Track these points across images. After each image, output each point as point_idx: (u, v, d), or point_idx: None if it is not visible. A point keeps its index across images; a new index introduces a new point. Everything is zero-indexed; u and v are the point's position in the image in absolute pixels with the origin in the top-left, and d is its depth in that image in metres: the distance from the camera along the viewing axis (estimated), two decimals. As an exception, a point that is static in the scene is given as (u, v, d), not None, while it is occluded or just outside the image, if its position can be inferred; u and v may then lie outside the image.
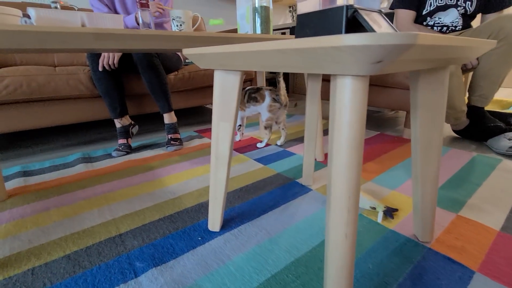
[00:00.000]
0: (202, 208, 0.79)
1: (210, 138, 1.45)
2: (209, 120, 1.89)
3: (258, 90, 1.25)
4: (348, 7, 0.34)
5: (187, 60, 1.80)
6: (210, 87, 1.64)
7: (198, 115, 2.07)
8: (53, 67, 1.30)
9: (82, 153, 1.23)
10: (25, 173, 1.04)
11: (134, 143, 1.39)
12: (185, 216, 0.75)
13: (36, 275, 0.56)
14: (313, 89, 0.75)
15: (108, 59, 1.11)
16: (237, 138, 1.43)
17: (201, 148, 1.30)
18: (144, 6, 0.85)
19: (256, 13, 0.88)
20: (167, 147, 1.28)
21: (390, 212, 0.72)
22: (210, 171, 0.63)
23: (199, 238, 0.66)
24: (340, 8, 0.34)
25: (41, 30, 0.47)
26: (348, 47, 0.24)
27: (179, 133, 1.36)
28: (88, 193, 0.89)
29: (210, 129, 1.62)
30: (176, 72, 1.45)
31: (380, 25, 0.35)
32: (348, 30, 0.34)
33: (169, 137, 1.32)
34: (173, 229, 0.69)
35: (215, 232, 0.68)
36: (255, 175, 1.00)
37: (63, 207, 0.80)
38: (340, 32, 0.35)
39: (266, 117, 1.26)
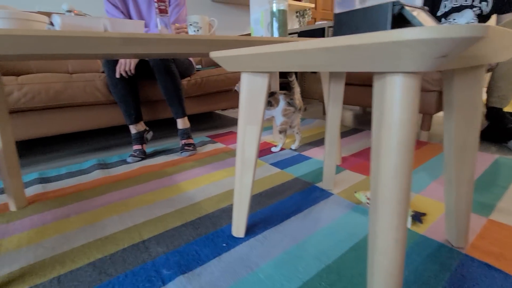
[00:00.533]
0: (223, 214, 0.77)
1: (222, 143, 1.45)
2: (220, 125, 1.88)
3: (272, 94, 1.24)
4: (395, 3, 0.33)
5: (197, 66, 1.81)
6: (221, 92, 1.65)
7: (209, 120, 2.07)
8: (69, 74, 1.31)
9: (97, 159, 1.23)
10: (43, 180, 1.04)
11: (148, 148, 1.39)
12: (207, 222, 0.74)
13: (62, 283, 0.55)
14: (336, 93, 0.74)
15: (125, 66, 1.12)
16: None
17: (214, 153, 1.29)
18: (163, 12, 0.86)
19: (274, 17, 0.88)
20: (181, 152, 1.27)
21: (418, 217, 0.70)
22: (235, 175, 0.62)
23: (224, 244, 0.64)
24: (386, 5, 0.33)
25: (71, 35, 0.47)
26: (414, 41, 0.23)
27: (192, 139, 1.36)
28: (107, 199, 0.88)
29: (222, 134, 1.62)
30: (189, 78, 1.45)
31: (426, 21, 0.34)
32: (393, 27, 0.33)
33: (182, 143, 1.32)
34: (197, 235, 0.68)
35: (240, 238, 0.66)
36: (273, 179, 0.98)
37: (83, 214, 0.80)
38: (385, 29, 0.33)
39: (281, 121, 1.25)
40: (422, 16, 0.34)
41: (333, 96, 0.75)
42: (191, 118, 2.17)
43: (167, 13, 0.87)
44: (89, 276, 0.56)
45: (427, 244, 0.61)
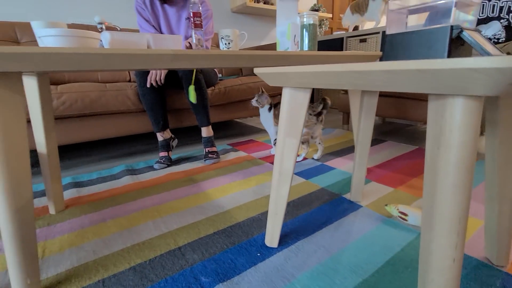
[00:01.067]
0: (254, 223, 0.78)
1: (244, 151, 1.47)
2: (240, 134, 1.91)
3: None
4: (453, 27, 0.34)
5: (220, 76, 1.86)
6: (243, 101, 1.68)
7: (230, 129, 2.10)
8: (103, 83, 1.38)
9: (125, 165, 1.28)
10: (76, 184, 1.09)
11: (173, 155, 1.43)
12: (239, 230, 0.75)
13: (107, 286, 0.57)
14: (369, 105, 0.75)
15: (155, 76, 1.16)
16: (272, 151, 1.43)
17: (237, 161, 1.31)
18: (198, 26, 0.90)
19: (305, 30, 0.90)
20: (205, 160, 1.30)
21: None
22: (272, 186, 0.64)
23: (258, 254, 0.65)
24: (444, 28, 0.34)
25: (130, 53, 0.50)
26: (492, 69, 0.24)
27: (215, 147, 1.39)
28: (139, 205, 0.91)
29: (243, 142, 1.64)
30: (213, 87, 1.49)
31: (484, 44, 0.35)
32: (451, 50, 0.34)
33: (206, 150, 1.35)
34: (230, 244, 0.69)
35: (273, 248, 0.67)
36: (299, 189, 0.99)
37: (119, 219, 0.83)
38: (444, 52, 0.35)
39: (303, 132, 1.26)
40: (479, 39, 0.35)
41: (366, 108, 0.75)
42: (212, 126, 2.21)
43: (201, 27, 0.90)
44: (131, 281, 0.58)
45: (465, 262, 0.60)
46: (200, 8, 1.31)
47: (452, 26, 0.34)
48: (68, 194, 1.01)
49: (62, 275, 0.61)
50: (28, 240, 0.52)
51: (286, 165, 0.60)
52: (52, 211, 0.87)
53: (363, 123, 0.77)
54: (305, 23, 0.89)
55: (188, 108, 1.46)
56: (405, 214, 0.75)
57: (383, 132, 1.82)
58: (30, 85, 0.75)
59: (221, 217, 0.82)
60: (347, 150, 1.44)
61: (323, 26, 3.02)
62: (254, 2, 2.35)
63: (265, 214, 0.83)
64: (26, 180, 0.51)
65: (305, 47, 0.91)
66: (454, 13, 0.34)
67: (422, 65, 0.28)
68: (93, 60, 0.48)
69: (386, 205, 0.81)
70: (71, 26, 1.59)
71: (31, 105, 0.77)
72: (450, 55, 0.35)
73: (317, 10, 2.88)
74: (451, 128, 0.32)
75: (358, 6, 2.19)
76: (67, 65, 0.47)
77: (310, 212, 0.83)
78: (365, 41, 2.14)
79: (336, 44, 2.35)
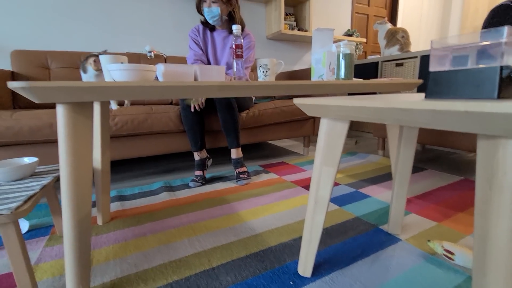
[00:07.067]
0: (286, 249, 0.78)
1: (275, 173, 1.48)
2: (271, 155, 1.94)
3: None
4: (503, 67, 0.34)
5: (255, 99, 1.93)
6: (275, 124, 1.71)
7: (261, 149, 2.15)
8: (148, 105, 1.52)
9: (163, 182, 1.36)
10: (121, 198, 1.18)
11: (207, 174, 1.49)
12: (271, 255, 0.75)
13: (147, 300, 0.60)
14: (410, 134, 0.73)
15: (198, 101, 1.26)
16: (304, 175, 1.42)
17: (269, 183, 1.33)
18: (239, 57, 0.97)
19: (341, 59, 0.93)
20: (237, 181, 1.33)
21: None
22: (307, 214, 0.64)
23: (291, 283, 0.64)
24: (493, 68, 0.34)
25: (184, 85, 0.57)
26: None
27: (245, 167, 1.42)
28: (176, 221, 0.96)
29: (274, 164, 1.66)
30: (248, 111, 1.56)
31: (538, 84, 0.34)
32: (501, 90, 0.34)
33: (237, 171, 1.38)
34: (262, 269, 0.69)
35: (306, 277, 0.66)
36: (332, 217, 0.97)
37: (158, 234, 0.88)
38: (493, 92, 0.34)
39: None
40: (533, 79, 0.34)
41: (406, 137, 0.74)
42: (244, 147, 2.27)
43: (242, 57, 0.97)
44: (169, 297, 0.61)
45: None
46: (243, 40, 1.42)
47: (502, 66, 0.34)
48: (113, 206, 1.09)
49: (107, 285, 0.65)
50: (84, 249, 0.58)
51: (322, 193, 0.61)
52: (99, 222, 0.95)
53: (402, 152, 0.75)
54: (341, 52, 0.92)
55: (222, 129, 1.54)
56: (452, 253, 0.70)
57: (423, 159, 1.72)
58: (94, 109, 0.86)
59: (253, 240, 0.83)
60: (383, 177, 1.38)
61: (357, 50, 3.02)
62: (289, 29, 2.45)
63: (297, 241, 0.82)
64: (88, 194, 0.58)
65: (341, 75, 0.93)
66: (504, 53, 0.34)
67: (471, 107, 0.29)
68: (154, 91, 0.55)
69: (429, 240, 0.75)
70: (126, 55, 1.80)
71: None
72: (500, 95, 0.34)
73: (351, 35, 2.91)
74: (504, 170, 0.31)
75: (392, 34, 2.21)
76: (132, 95, 0.55)
77: (344, 242, 0.81)
78: (402, 65, 2.10)
79: (371, 68, 2.33)
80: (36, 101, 0.49)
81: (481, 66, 0.35)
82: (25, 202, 0.58)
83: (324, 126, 0.58)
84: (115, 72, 0.65)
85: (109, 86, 0.51)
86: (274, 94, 0.69)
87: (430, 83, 0.41)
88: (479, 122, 0.30)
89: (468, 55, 0.38)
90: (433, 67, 0.41)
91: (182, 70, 0.79)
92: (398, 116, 0.38)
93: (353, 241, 0.81)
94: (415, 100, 0.39)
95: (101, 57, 0.82)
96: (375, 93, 1.81)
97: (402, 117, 0.38)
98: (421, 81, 0.96)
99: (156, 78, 1.05)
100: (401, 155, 0.76)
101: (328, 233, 0.86)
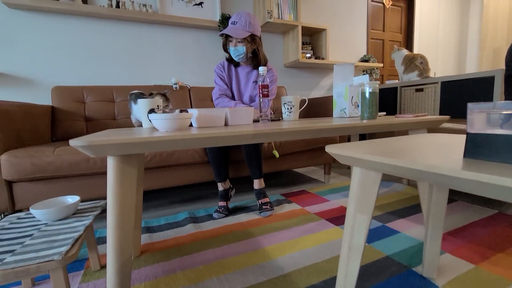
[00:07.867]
0: (317, 292, 0.77)
1: (298, 204, 1.47)
2: (291, 182, 1.94)
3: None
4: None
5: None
6: (297, 153, 1.73)
7: (281, 176, 2.15)
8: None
9: (188, 212, 1.39)
10: (148, 229, 1.21)
11: (230, 204, 1.50)
12: (302, 299, 0.74)
13: None
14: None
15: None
16: (327, 206, 1.41)
17: (292, 215, 1.32)
18: (265, 96, 1.02)
19: (367, 97, 0.95)
20: (260, 212, 1.34)
21: None
22: (340, 261, 0.64)
23: (325, 332, 0.63)
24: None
25: (224, 135, 0.60)
26: None
27: (268, 197, 1.43)
28: (203, 257, 0.97)
29: (296, 193, 1.66)
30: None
31: None
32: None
33: (260, 202, 1.39)
34: (295, 315, 0.68)
35: (341, 327, 0.64)
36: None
37: (187, 271, 0.89)
38: (538, 161, 0.35)
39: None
40: None
41: (438, 181, 0.73)
42: (265, 174, 2.29)
43: (268, 97, 1.02)
44: None
45: None
46: (267, 77, 1.49)
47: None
48: (142, 239, 1.12)
49: (142, 327, 0.67)
50: (124, 293, 0.60)
51: (356, 240, 0.60)
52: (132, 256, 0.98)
53: (435, 194, 0.74)
54: (365, 91, 0.94)
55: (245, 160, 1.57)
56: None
57: (452, 189, 1.66)
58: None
59: (282, 281, 0.82)
60: (411, 209, 1.34)
61: (374, 74, 3.05)
62: (306, 58, 2.53)
63: (327, 283, 0.80)
64: (130, 239, 0.61)
65: (366, 115, 0.95)
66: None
67: (520, 186, 0.30)
68: (196, 142, 0.59)
69: (469, 288, 0.72)
70: (153, 88, 1.91)
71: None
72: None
73: (367, 61, 2.95)
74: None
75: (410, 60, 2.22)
76: (173, 146, 0.59)
77: (376, 285, 0.78)
78: (422, 91, 2.09)
79: (390, 93, 2.33)
80: (92, 156, 0.54)
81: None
82: (73, 245, 0.62)
83: (357, 174, 0.59)
84: (155, 121, 0.71)
85: (154, 141, 0.56)
86: (303, 138, 0.71)
87: (468, 144, 0.42)
88: (529, 199, 0.30)
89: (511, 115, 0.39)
90: (471, 129, 0.42)
91: (215, 114, 0.84)
92: (439, 179, 0.39)
93: (386, 284, 0.79)
94: (455, 163, 0.40)
95: (140, 101, 0.88)
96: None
97: (443, 181, 0.39)
98: (447, 117, 0.96)
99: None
100: (434, 196, 0.74)
101: (359, 275, 0.84)
